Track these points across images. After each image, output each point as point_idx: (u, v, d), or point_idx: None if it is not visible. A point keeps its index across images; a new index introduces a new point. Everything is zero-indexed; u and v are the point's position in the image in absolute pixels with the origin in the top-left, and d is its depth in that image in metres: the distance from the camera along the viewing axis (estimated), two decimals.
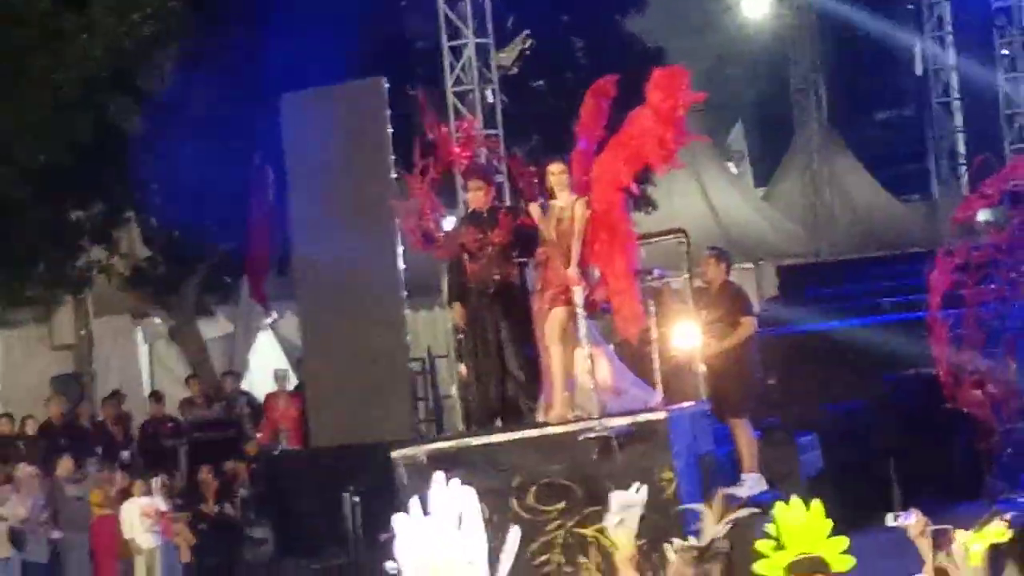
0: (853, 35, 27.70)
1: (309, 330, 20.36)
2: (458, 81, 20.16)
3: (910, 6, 27.17)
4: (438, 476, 8.57)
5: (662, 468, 11.42)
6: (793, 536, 6.99)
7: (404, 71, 22.17)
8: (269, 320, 24.15)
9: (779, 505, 7.11)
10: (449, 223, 13.76)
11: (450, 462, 11.62)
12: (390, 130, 19.48)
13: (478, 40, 20.18)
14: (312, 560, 18.72)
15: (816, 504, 7.13)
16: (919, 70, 27.44)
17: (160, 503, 17.43)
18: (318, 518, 18.95)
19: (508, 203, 14.47)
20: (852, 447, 16.63)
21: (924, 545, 7.76)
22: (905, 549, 8.00)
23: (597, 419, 11.67)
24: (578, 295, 11.74)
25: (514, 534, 8.32)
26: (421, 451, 12.02)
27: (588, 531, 11.38)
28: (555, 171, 12.09)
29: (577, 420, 11.79)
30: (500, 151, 18.72)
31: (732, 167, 30.75)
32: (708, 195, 28.36)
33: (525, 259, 12.54)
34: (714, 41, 28.41)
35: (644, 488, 9.70)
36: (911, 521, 7.86)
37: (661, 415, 11.70)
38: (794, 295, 22.86)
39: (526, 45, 24.13)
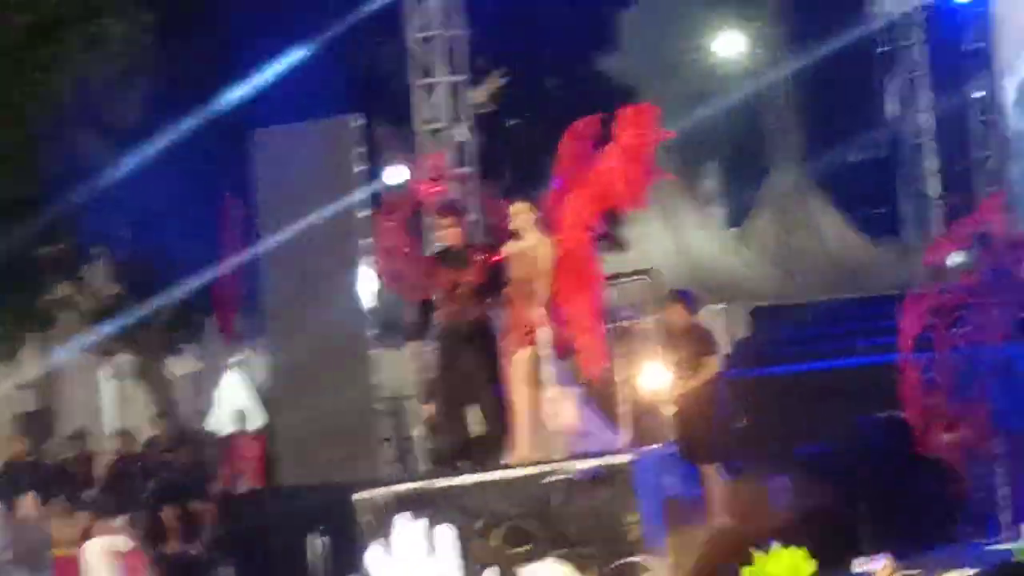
0: (826, 76, 27.72)
1: (277, 369, 20.23)
2: (430, 119, 20.06)
3: (884, 48, 27.20)
4: (403, 517, 8.44)
5: (626, 511, 11.31)
6: None
7: (378, 108, 22.10)
8: (237, 358, 24.00)
9: (758, 555, 7.01)
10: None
11: (413, 504, 11.50)
12: (362, 167, 19.40)
13: (451, 78, 20.09)
14: None
15: (797, 550, 7.04)
16: (891, 112, 27.48)
17: (122, 543, 17.22)
18: (284, 559, 18.75)
19: (478, 241, 14.36)
20: (823, 490, 16.50)
21: None
22: None
23: (561, 461, 11.55)
24: (543, 336, 11.64)
25: (490, 574, 8.21)
26: (384, 493, 11.90)
27: None
28: (516, 211, 12.00)
29: (541, 462, 11.67)
30: (474, 189, 18.64)
31: (707, 207, 30.76)
32: (680, 236, 28.29)
33: (495, 298, 12.44)
34: (688, 82, 28.41)
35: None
36: (879, 567, 7.75)
37: (626, 458, 11.60)
38: (765, 336, 22.78)
39: (500, 83, 24.11)
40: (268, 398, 21.57)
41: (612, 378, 12.23)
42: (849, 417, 17.78)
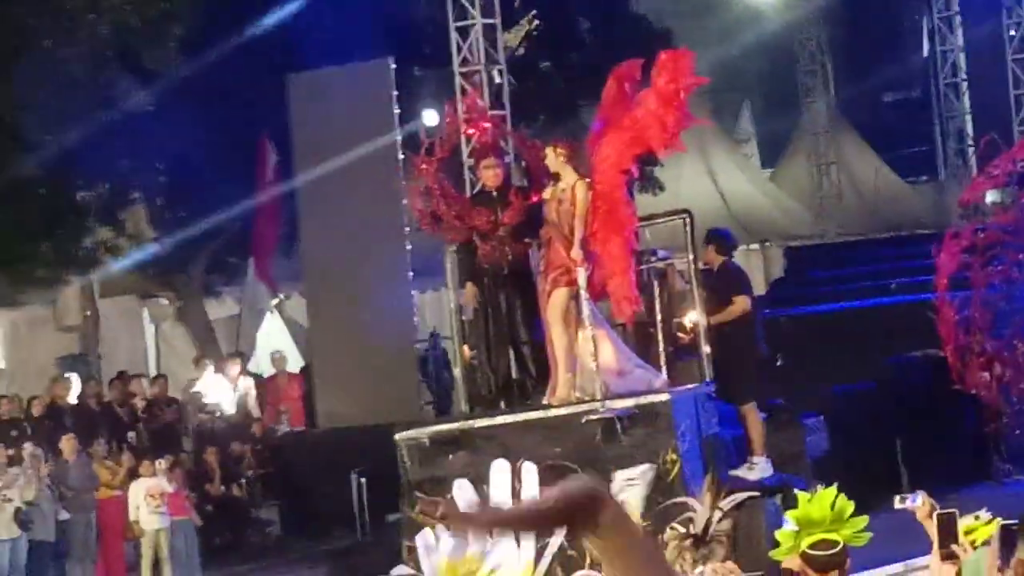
0: (860, 16, 27.60)
1: (315, 311, 20.37)
2: (465, 62, 20.06)
3: None
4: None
5: (666, 450, 11.38)
6: (813, 523, 6.95)
7: (411, 52, 22.11)
8: (275, 301, 24.13)
9: (802, 496, 7.08)
10: None
11: (454, 444, 11.61)
12: (397, 111, 19.45)
13: (485, 21, 20.07)
14: (319, 541, 18.73)
15: (835, 491, 7.09)
16: (926, 51, 27.37)
17: (166, 484, 17.40)
18: (324, 499, 18.96)
19: (516, 183, 14.41)
20: (859, 429, 16.56)
21: (932, 527, 7.71)
22: (911, 531, 7.97)
23: (600, 401, 11.61)
24: (581, 276, 11.68)
25: None
26: (424, 433, 11.99)
27: None
28: (551, 154, 12.04)
29: (580, 402, 11.74)
30: (507, 131, 18.65)
31: (742, 148, 30.71)
32: (715, 176, 28.28)
33: (533, 239, 12.48)
34: (721, 23, 28.31)
35: (648, 467, 9.67)
36: (918, 503, 7.79)
37: (665, 396, 11.66)
38: (801, 276, 22.79)
39: (533, 26, 24.05)
40: (308, 340, 21.73)
41: (650, 318, 12.28)
42: (885, 356, 17.83)
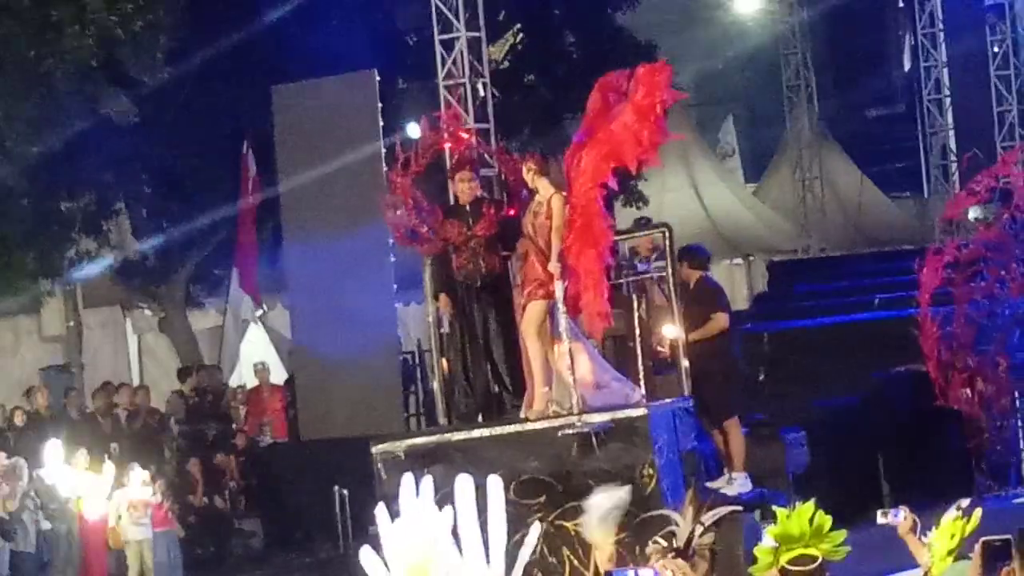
0: (844, 32, 27.71)
1: (299, 323, 20.39)
2: (449, 75, 20.07)
3: (901, 3, 27.18)
4: (407, 479, 8.48)
5: (643, 464, 11.40)
6: (792, 538, 6.97)
7: (395, 64, 22.16)
8: (259, 312, 24.14)
9: (780, 512, 7.08)
10: None
11: (429, 458, 11.61)
12: (381, 122, 19.48)
13: (470, 34, 20.08)
14: (302, 553, 18.75)
15: (813, 506, 7.12)
16: (909, 67, 27.48)
17: (148, 495, 17.40)
18: (308, 511, 18.98)
19: (494, 196, 14.44)
20: (841, 444, 16.59)
21: (913, 543, 7.75)
22: (894, 546, 8.00)
23: (577, 415, 11.62)
24: (558, 289, 11.69)
25: (533, 531, 8.25)
26: (399, 446, 12.01)
27: (569, 525, 11.34)
28: (524, 169, 12.07)
29: (557, 416, 11.75)
30: (491, 144, 18.68)
31: (725, 162, 30.79)
32: (699, 190, 28.33)
33: (509, 252, 12.51)
34: (706, 37, 28.40)
35: (627, 488, 9.65)
36: (900, 518, 7.83)
37: (642, 410, 11.67)
38: (784, 291, 22.80)
39: (517, 39, 24.10)
40: (291, 351, 21.74)
41: (628, 332, 12.30)
42: (867, 371, 17.85)
